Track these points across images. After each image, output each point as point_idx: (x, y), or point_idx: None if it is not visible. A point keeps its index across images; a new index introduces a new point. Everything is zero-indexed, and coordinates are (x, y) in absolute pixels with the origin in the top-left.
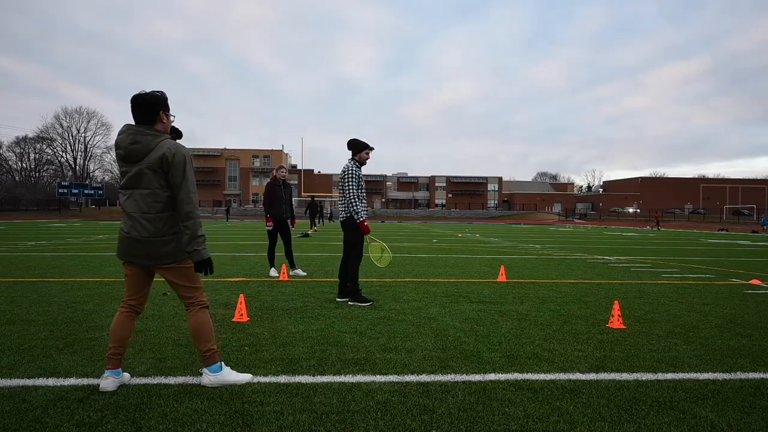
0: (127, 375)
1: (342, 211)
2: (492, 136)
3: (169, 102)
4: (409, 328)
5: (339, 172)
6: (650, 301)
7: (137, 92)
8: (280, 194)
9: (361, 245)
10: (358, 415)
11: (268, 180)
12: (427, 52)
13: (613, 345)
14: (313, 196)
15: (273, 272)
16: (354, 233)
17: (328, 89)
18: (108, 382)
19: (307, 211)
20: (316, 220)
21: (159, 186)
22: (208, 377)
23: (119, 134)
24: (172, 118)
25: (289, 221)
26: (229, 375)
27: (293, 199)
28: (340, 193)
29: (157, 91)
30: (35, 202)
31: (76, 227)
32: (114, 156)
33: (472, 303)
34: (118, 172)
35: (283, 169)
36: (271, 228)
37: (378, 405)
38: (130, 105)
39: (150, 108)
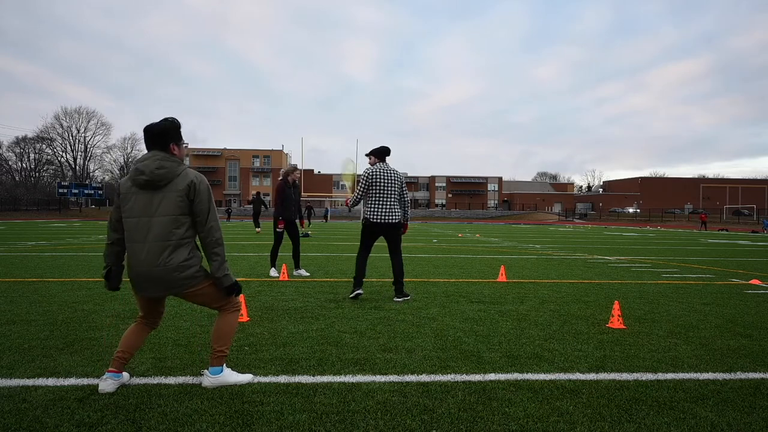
0: (126, 375)
1: (392, 213)
2: (492, 136)
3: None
4: (409, 328)
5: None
6: (650, 301)
7: (149, 123)
8: (290, 195)
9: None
10: (358, 415)
11: (279, 180)
12: (428, 51)
13: (613, 345)
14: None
15: (273, 272)
16: (400, 234)
17: (328, 89)
18: (107, 383)
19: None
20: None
21: (181, 213)
22: (209, 379)
23: (141, 160)
24: (184, 146)
25: (297, 221)
26: (230, 376)
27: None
28: (384, 195)
29: (169, 119)
30: (35, 202)
31: (76, 227)
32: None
33: (472, 303)
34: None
35: (297, 171)
36: (281, 230)
37: (378, 405)
38: (143, 136)
39: (159, 139)
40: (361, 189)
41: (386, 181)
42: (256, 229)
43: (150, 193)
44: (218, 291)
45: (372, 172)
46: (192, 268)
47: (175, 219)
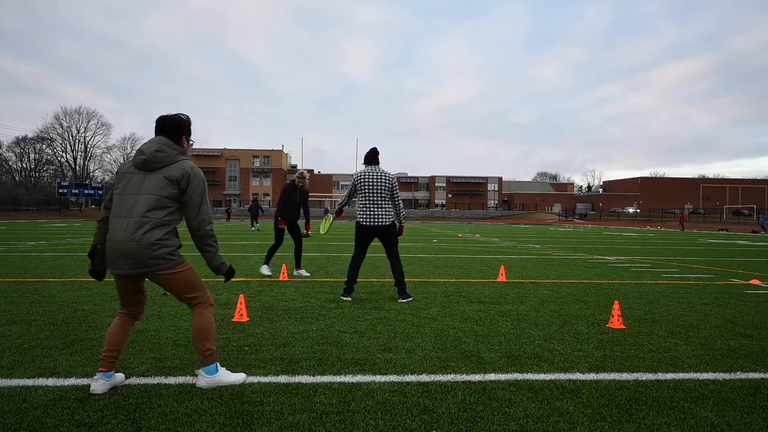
0: (121, 376)
1: (383, 215)
2: (492, 136)
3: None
4: (409, 328)
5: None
6: (650, 301)
7: (163, 114)
8: (295, 198)
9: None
10: (358, 415)
11: (288, 182)
12: (428, 51)
13: (613, 345)
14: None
15: (264, 270)
16: (396, 235)
17: (328, 89)
18: (98, 384)
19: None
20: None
21: (168, 196)
22: (204, 379)
23: (147, 143)
24: (191, 142)
25: (300, 223)
26: (225, 376)
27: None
28: (372, 197)
29: (182, 114)
30: (35, 202)
31: (76, 227)
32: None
33: (472, 303)
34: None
35: (306, 179)
36: (281, 228)
37: (378, 405)
38: (154, 125)
39: (171, 130)
40: (347, 192)
41: (373, 183)
42: (252, 228)
43: (144, 173)
44: (194, 277)
45: (358, 175)
46: (166, 248)
47: (160, 199)
